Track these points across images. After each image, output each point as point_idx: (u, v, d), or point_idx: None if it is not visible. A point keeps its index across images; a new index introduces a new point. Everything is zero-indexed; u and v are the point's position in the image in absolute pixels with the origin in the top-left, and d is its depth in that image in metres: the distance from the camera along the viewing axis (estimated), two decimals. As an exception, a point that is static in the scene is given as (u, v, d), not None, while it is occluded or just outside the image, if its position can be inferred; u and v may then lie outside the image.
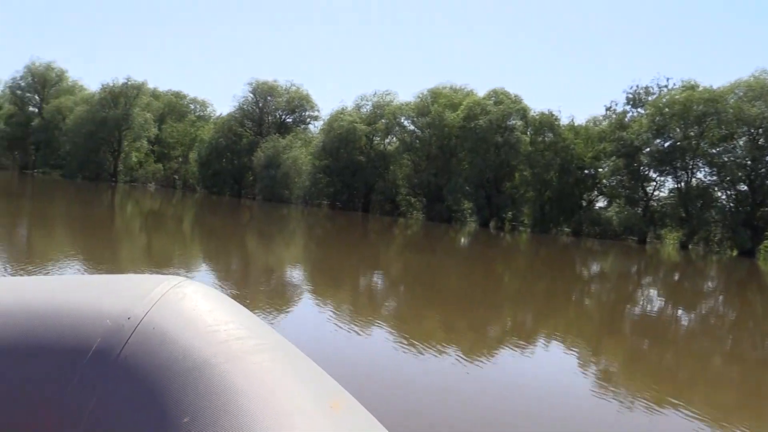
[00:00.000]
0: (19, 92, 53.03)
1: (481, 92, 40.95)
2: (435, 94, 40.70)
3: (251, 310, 0.65)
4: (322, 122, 46.40)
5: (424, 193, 40.05)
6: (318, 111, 49.87)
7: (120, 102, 47.60)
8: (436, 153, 39.51)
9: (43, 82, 52.69)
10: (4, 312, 0.64)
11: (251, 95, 48.39)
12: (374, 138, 42.13)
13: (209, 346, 0.60)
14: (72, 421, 0.57)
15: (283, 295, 8.99)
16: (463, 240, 28.30)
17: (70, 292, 0.67)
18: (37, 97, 52.93)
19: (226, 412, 0.54)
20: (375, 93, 43.56)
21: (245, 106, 48.29)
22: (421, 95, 40.98)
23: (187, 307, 0.64)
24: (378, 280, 12.25)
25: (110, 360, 0.59)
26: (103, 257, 11.26)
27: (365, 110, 43.22)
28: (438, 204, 37.79)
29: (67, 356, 0.60)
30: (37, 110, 52.45)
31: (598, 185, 37.98)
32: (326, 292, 9.70)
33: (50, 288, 0.68)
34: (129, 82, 48.55)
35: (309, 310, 8.06)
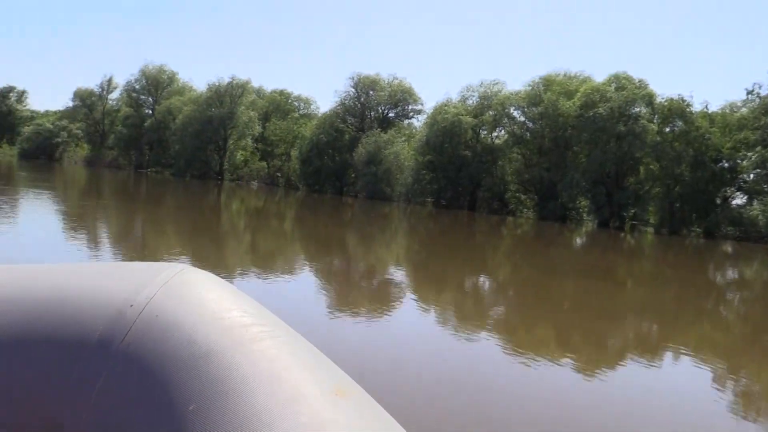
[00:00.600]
0: (134, 95, 58.61)
1: (599, 77, 39.10)
2: (548, 82, 39.44)
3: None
4: (425, 116, 46.75)
5: (535, 190, 39.02)
6: (421, 104, 50.28)
7: (225, 101, 51.05)
8: (549, 146, 38.32)
9: (155, 84, 57.82)
10: (8, 300, 0.66)
11: (353, 90, 49.84)
12: (481, 131, 41.71)
13: (214, 333, 0.61)
14: (76, 407, 0.59)
15: (384, 298, 9.29)
16: (579, 241, 27.28)
17: (73, 279, 0.69)
18: (150, 99, 58.18)
19: (232, 400, 0.55)
20: (481, 83, 43.07)
21: (347, 101, 49.82)
22: (532, 83, 39.91)
23: (191, 294, 0.66)
24: (485, 284, 12.26)
25: (114, 347, 0.60)
26: (209, 255, 12.22)
27: (471, 102, 42.90)
28: (551, 201, 36.63)
29: (71, 344, 0.61)
30: (150, 111, 57.65)
31: (738, 180, 34.80)
32: (428, 296, 9.89)
33: (53, 276, 0.71)
34: (234, 81, 51.87)
35: (410, 315, 8.27)
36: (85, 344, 0.61)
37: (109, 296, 0.65)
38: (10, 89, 70.25)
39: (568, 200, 36.49)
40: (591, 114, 35.09)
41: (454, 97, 44.10)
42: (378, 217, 30.60)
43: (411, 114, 50.82)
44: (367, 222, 27.33)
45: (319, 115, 53.81)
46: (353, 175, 45.77)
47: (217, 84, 51.98)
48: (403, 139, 44.50)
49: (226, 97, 51.24)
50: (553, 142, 38.14)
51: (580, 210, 37.61)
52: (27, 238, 11.66)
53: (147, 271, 0.69)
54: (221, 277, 0.64)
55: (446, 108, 41.72)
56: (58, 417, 0.60)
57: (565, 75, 40.64)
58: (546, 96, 37.81)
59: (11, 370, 0.62)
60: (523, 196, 40.54)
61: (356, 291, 10.04)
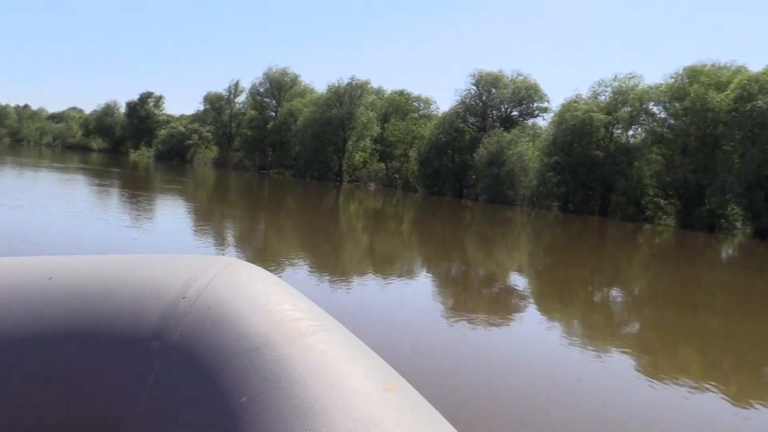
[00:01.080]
0: (258, 97, 62.68)
1: (754, 66, 35.73)
2: (693, 73, 36.67)
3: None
4: (552, 114, 45.50)
5: (678, 195, 36.51)
6: (547, 101, 49.01)
7: (344, 102, 53.10)
8: (696, 144, 35.66)
9: (278, 87, 61.46)
10: (63, 291, 0.70)
11: (474, 88, 49.71)
12: (615, 129, 39.84)
13: (265, 326, 0.64)
14: (130, 398, 0.62)
15: (504, 306, 9.34)
16: (731, 253, 25.25)
17: (126, 271, 0.73)
18: (273, 102, 61.92)
19: (284, 393, 0.57)
20: (615, 77, 41.11)
21: (467, 100, 49.79)
22: (675, 75, 37.35)
23: (241, 287, 0.69)
24: (617, 298, 11.88)
25: (167, 340, 0.63)
26: (327, 257, 12.91)
27: (604, 98, 41.10)
28: (697, 208, 34.08)
29: (124, 335, 0.64)
30: (273, 114, 61.35)
31: None
32: (552, 308, 9.81)
33: (106, 267, 0.74)
34: (353, 82, 53.82)
35: (530, 325, 8.28)
36: (138, 336, 0.64)
37: (162, 289, 0.68)
38: (149, 95, 77.99)
39: (718, 207, 33.72)
40: (748, 108, 32.21)
41: (584, 92, 42.51)
42: (499, 221, 30.36)
43: (536, 112, 49.69)
44: (488, 226, 27.24)
45: (439, 115, 54.20)
46: (473, 177, 45.61)
47: (336, 85, 54.20)
48: (528, 138, 43.61)
49: (346, 98, 53.27)
50: (700, 141, 35.46)
51: (732, 218, 34.64)
52: (160, 232, 13.10)
53: (197, 264, 0.73)
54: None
55: (576, 105, 40.32)
56: (111, 408, 0.62)
57: (713, 65, 37.58)
58: (692, 89, 35.23)
59: (65, 361, 0.64)
60: (663, 202, 38.06)
61: (475, 297, 10.14)
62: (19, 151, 60.49)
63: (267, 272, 0.74)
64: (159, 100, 78.75)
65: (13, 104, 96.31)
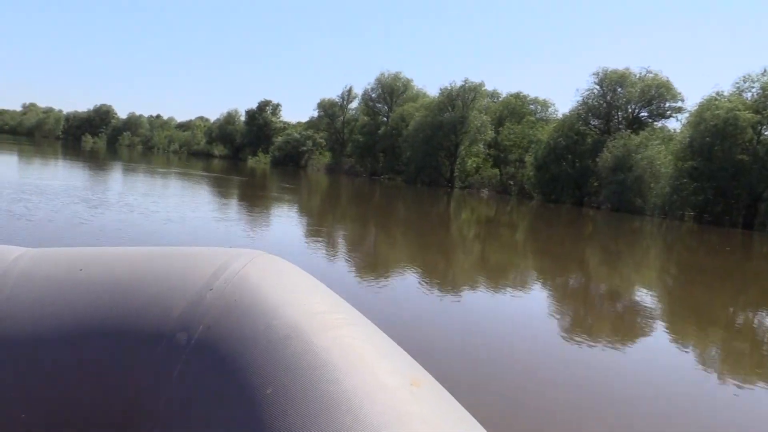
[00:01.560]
0: (370, 103, 63.61)
1: None
2: None
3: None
4: (687, 114, 41.97)
5: (843, 204, 32.14)
6: (681, 100, 45.35)
7: (457, 105, 52.36)
8: None
9: (390, 92, 61.99)
10: (92, 282, 0.72)
11: (597, 87, 47.08)
12: (764, 130, 35.89)
13: (292, 318, 0.65)
14: (156, 390, 0.63)
15: (628, 327, 8.30)
16: None
17: (152, 263, 0.74)
18: (385, 107, 62.52)
19: (310, 385, 0.58)
20: (765, 71, 37.10)
21: (590, 101, 47.22)
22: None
23: (268, 280, 0.70)
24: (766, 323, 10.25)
25: (193, 331, 0.65)
26: (438, 265, 12.36)
27: (750, 94, 37.23)
28: None
29: (151, 326, 0.66)
30: (385, 119, 61.92)
31: None
32: (686, 332, 8.56)
33: (133, 259, 0.75)
34: (466, 84, 52.97)
35: (658, 350, 7.21)
36: (165, 328, 0.66)
37: (189, 280, 0.70)
38: (267, 103, 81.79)
39: None
40: None
41: (726, 89, 38.73)
42: (626, 231, 28.23)
43: (668, 112, 46.09)
44: (613, 237, 25.36)
45: (558, 118, 51.96)
46: (596, 184, 43.12)
47: (449, 88, 53.62)
48: (658, 141, 40.45)
49: (458, 101, 52.54)
50: None
51: None
52: (274, 235, 13.17)
53: (225, 256, 0.73)
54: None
55: (717, 103, 36.78)
56: (137, 400, 0.64)
57: None
58: None
59: (92, 352, 0.66)
60: (824, 212, 33.70)
61: (595, 315, 9.24)
62: (150, 157, 65.60)
63: (294, 266, 0.76)
64: (276, 108, 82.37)
65: (146, 114, 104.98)
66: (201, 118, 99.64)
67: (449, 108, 52.81)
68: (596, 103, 47.33)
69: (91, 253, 0.78)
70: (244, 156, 78.51)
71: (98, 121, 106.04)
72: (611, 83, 46.44)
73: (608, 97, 46.88)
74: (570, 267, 14.79)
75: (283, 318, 0.65)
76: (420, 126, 53.21)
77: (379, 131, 60.81)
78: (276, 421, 0.57)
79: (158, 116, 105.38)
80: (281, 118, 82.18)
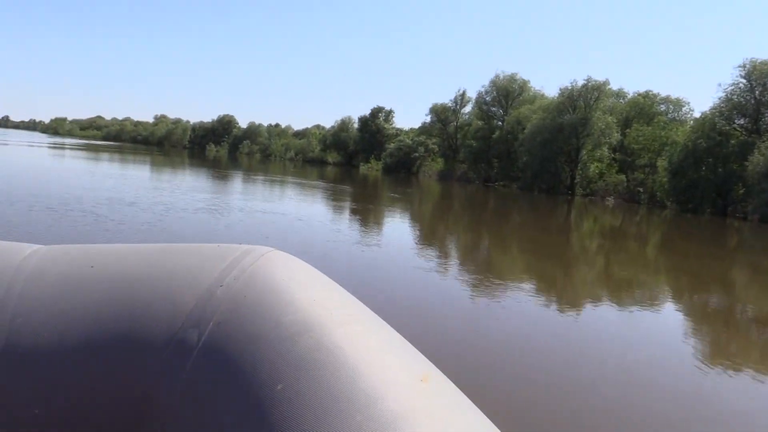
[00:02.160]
0: (484, 107, 62.07)
1: None
2: None
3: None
4: None
5: None
6: None
7: (578, 106, 49.60)
8: None
9: (506, 94, 60.14)
10: (103, 278, 0.74)
11: (743, 81, 42.59)
12: None
13: (302, 315, 0.66)
14: (168, 385, 0.65)
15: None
16: None
17: (163, 259, 0.76)
18: (500, 111, 60.76)
19: (319, 381, 0.59)
20: None
21: (734, 97, 42.78)
22: None
23: (278, 277, 0.71)
24: None
25: (204, 327, 0.66)
26: (557, 280, 11.29)
27: None
28: None
29: (162, 321, 0.68)
30: (500, 123, 60.15)
31: None
32: None
33: (144, 255, 0.77)
34: (588, 84, 50.02)
35: None
36: (176, 324, 0.67)
37: (199, 276, 0.71)
38: (379, 110, 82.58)
39: None
40: None
41: None
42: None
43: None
44: (765, 253, 22.40)
45: (693, 118, 47.68)
46: (742, 191, 38.86)
47: (569, 88, 50.95)
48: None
49: (580, 102, 49.77)
50: None
51: None
52: (385, 248, 12.61)
53: (235, 253, 0.75)
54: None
55: None
56: (149, 395, 0.65)
57: None
58: None
59: (104, 347, 0.68)
60: None
61: (742, 340, 7.87)
62: (267, 165, 68.32)
63: (304, 263, 0.77)
64: (389, 114, 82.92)
65: (266, 123, 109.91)
66: (317, 126, 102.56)
67: (570, 109, 50.15)
68: (742, 100, 42.77)
69: (102, 249, 0.81)
70: (357, 162, 79.67)
71: (221, 130, 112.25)
72: (761, 76, 41.76)
73: (757, 93, 42.22)
74: (712, 287, 12.93)
75: (294, 314, 0.66)
76: (537, 129, 50.90)
77: (493, 136, 59.10)
78: (287, 418, 0.58)
79: (276, 125, 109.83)
80: (393, 125, 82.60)
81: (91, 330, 0.68)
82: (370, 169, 71.77)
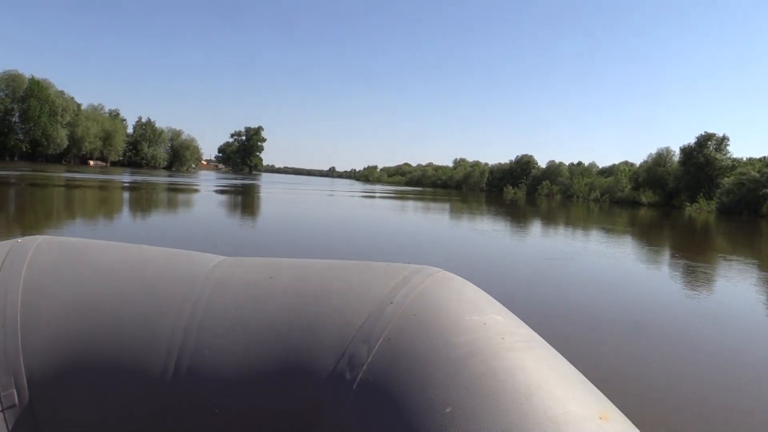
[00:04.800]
0: None
1: None
2: None
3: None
4: None
5: None
6: None
7: None
8: None
9: None
10: (281, 289, 0.77)
11: None
12: None
13: (472, 337, 0.64)
14: (337, 395, 0.65)
15: None
16: None
17: (335, 274, 0.78)
18: None
19: (489, 408, 0.57)
20: None
21: None
22: None
23: (447, 298, 0.70)
24: None
25: (374, 341, 0.67)
26: None
27: None
28: None
29: (334, 334, 0.69)
30: None
31: None
32: None
33: (318, 270, 0.80)
34: None
35: None
36: (347, 337, 0.68)
37: (370, 293, 0.72)
38: (709, 137, 68.66)
39: None
40: None
41: None
42: None
43: None
44: None
45: None
46: None
47: None
48: None
49: None
50: None
51: None
52: None
53: (404, 272, 0.75)
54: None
55: None
56: (318, 403, 0.66)
57: None
58: None
59: (278, 353, 0.70)
60: None
61: None
62: (568, 207, 60.50)
63: (473, 285, 0.76)
64: (722, 142, 68.22)
65: (567, 162, 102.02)
66: (626, 162, 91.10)
67: None
68: None
69: (279, 263, 0.85)
70: (679, 202, 66.70)
71: (519, 171, 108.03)
72: None
73: None
74: None
75: (463, 336, 0.64)
76: None
77: None
78: None
79: (579, 163, 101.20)
80: (729, 155, 67.45)
81: (268, 338, 0.71)
82: (699, 210, 58.66)
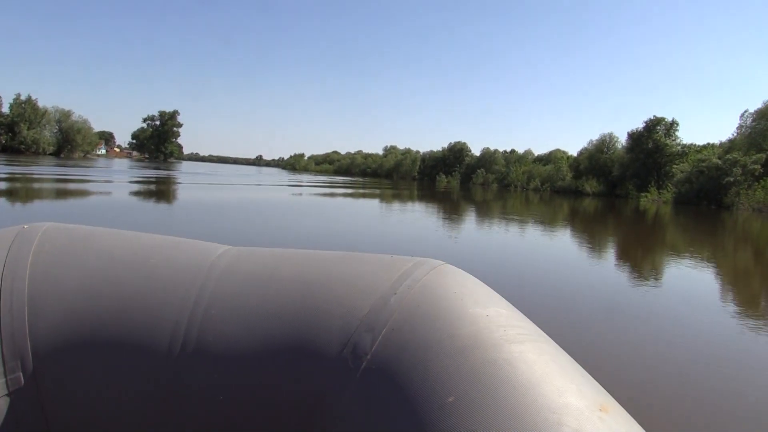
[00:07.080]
0: None
1: None
2: None
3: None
4: None
5: None
6: None
7: None
8: None
9: None
10: (285, 279, 0.79)
11: None
12: None
13: (474, 329, 0.65)
14: (340, 384, 0.66)
15: None
16: None
17: (340, 266, 0.79)
18: None
19: (491, 399, 0.58)
20: None
21: None
22: None
23: (450, 290, 0.71)
24: None
25: (377, 331, 0.68)
26: None
27: None
28: None
29: (338, 324, 0.70)
30: None
31: None
32: None
33: (322, 260, 0.82)
34: None
35: None
36: (351, 326, 0.69)
37: (374, 283, 0.73)
38: (657, 121, 63.05)
39: None
40: None
41: None
42: None
43: None
44: None
45: None
46: None
47: None
48: None
49: None
50: None
51: None
52: None
53: (408, 264, 0.76)
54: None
55: None
56: (322, 392, 0.67)
57: None
58: None
59: (283, 343, 0.71)
60: None
61: None
62: (506, 197, 52.95)
63: (475, 278, 0.77)
64: (671, 126, 62.65)
65: (501, 150, 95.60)
66: (558, 150, 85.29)
67: None
68: None
69: (283, 253, 0.86)
70: (624, 192, 60.77)
71: (452, 159, 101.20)
72: None
73: None
74: None
75: (466, 327, 0.65)
76: None
77: None
78: (456, 430, 0.56)
79: (512, 151, 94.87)
80: (679, 140, 61.93)
81: (273, 326, 0.72)
82: (651, 201, 52.44)
